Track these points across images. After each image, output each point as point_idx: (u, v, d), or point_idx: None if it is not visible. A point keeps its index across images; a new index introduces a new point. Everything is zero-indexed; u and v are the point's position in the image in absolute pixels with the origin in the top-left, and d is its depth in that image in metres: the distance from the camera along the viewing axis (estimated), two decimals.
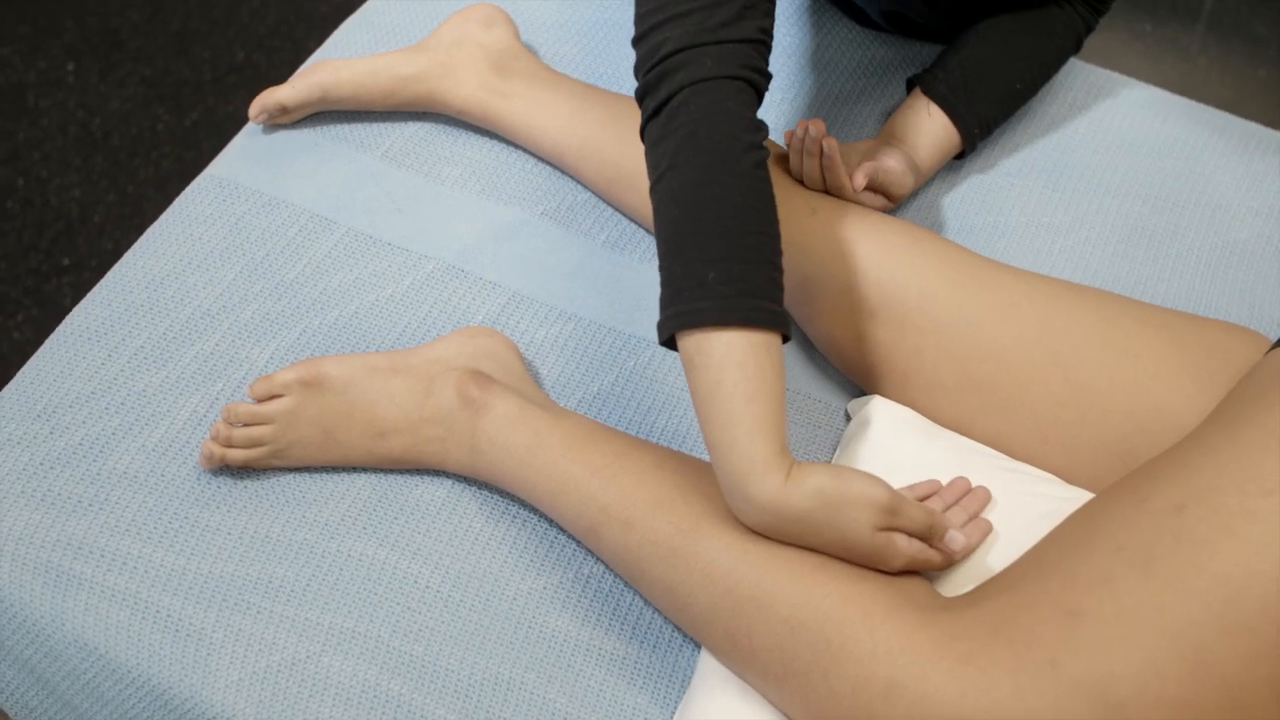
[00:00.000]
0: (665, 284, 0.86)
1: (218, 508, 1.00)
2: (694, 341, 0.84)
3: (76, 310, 1.10)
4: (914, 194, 1.20)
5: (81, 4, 2.28)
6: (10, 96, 2.15)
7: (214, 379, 1.06)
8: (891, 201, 1.12)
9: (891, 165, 1.10)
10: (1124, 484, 0.87)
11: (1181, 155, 1.24)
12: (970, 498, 0.95)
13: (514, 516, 1.01)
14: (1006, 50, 1.18)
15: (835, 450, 1.05)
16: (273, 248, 1.14)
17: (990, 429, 1.00)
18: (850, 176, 1.08)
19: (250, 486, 1.01)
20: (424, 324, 1.10)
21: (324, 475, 1.02)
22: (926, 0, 1.19)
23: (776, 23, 1.32)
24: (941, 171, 1.21)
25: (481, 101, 1.18)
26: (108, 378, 1.06)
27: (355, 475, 1.02)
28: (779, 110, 1.27)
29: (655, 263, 1.15)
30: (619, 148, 1.13)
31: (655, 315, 1.12)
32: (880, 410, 1.01)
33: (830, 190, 1.09)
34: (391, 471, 1.02)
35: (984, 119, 1.18)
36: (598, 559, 0.98)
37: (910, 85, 1.19)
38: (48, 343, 1.09)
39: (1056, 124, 1.26)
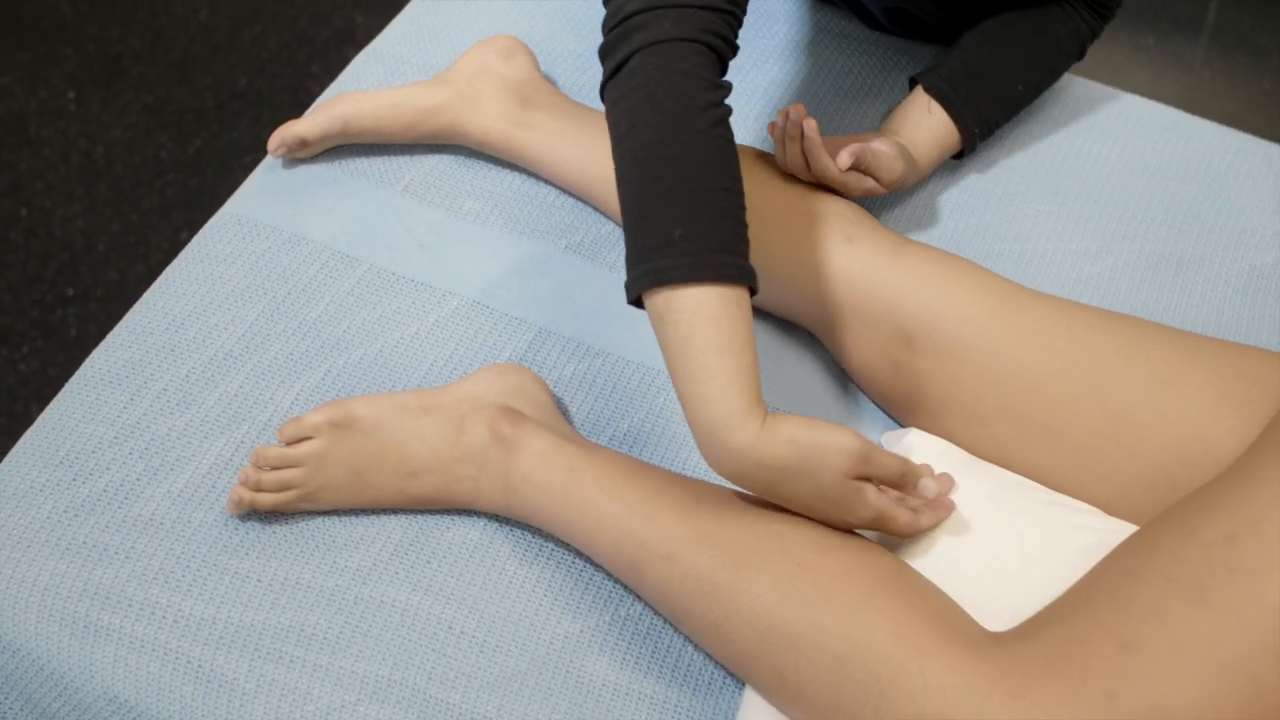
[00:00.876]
0: (631, 244, 0.87)
1: (247, 554, 0.98)
2: (664, 299, 0.84)
3: (96, 353, 1.09)
4: (937, 223, 1.19)
5: (81, 31, 2.26)
6: (11, 126, 2.14)
7: (239, 422, 1.05)
8: (882, 186, 1.10)
9: (881, 148, 1.09)
10: (1172, 515, 0.86)
11: (1205, 179, 1.23)
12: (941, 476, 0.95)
13: (549, 557, 0.99)
14: (1011, 52, 1.17)
15: None
16: (294, 286, 1.12)
17: (1029, 460, 0.99)
18: (835, 158, 1.06)
19: (279, 531, 1.00)
20: (450, 361, 1.09)
21: (354, 518, 1.00)
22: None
23: (777, 21, 1.31)
24: (968, 200, 1.20)
25: (504, 133, 1.17)
26: (130, 422, 1.04)
27: (386, 517, 1.01)
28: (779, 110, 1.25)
29: None
30: None
31: None
32: (919, 443, 1.00)
33: (815, 174, 1.08)
34: (422, 512, 1.01)
35: (984, 119, 1.17)
36: (637, 598, 0.97)
37: (912, 83, 1.19)
38: (68, 387, 1.07)
39: (1080, 149, 1.25)
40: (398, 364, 1.08)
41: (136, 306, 1.12)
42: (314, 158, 1.20)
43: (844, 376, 1.10)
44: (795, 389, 1.09)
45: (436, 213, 1.18)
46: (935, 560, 0.92)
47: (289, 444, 0.98)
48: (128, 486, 1.01)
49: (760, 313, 1.12)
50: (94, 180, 2.08)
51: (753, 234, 1.06)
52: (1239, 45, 2.35)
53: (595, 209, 1.18)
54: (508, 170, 1.21)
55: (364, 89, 1.26)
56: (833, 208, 1.08)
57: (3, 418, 1.85)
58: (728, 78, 1.11)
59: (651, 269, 0.84)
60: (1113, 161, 1.24)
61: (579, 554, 0.99)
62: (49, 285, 1.97)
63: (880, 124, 1.20)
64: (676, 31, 0.88)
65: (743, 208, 0.88)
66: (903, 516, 0.88)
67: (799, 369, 1.10)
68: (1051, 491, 0.98)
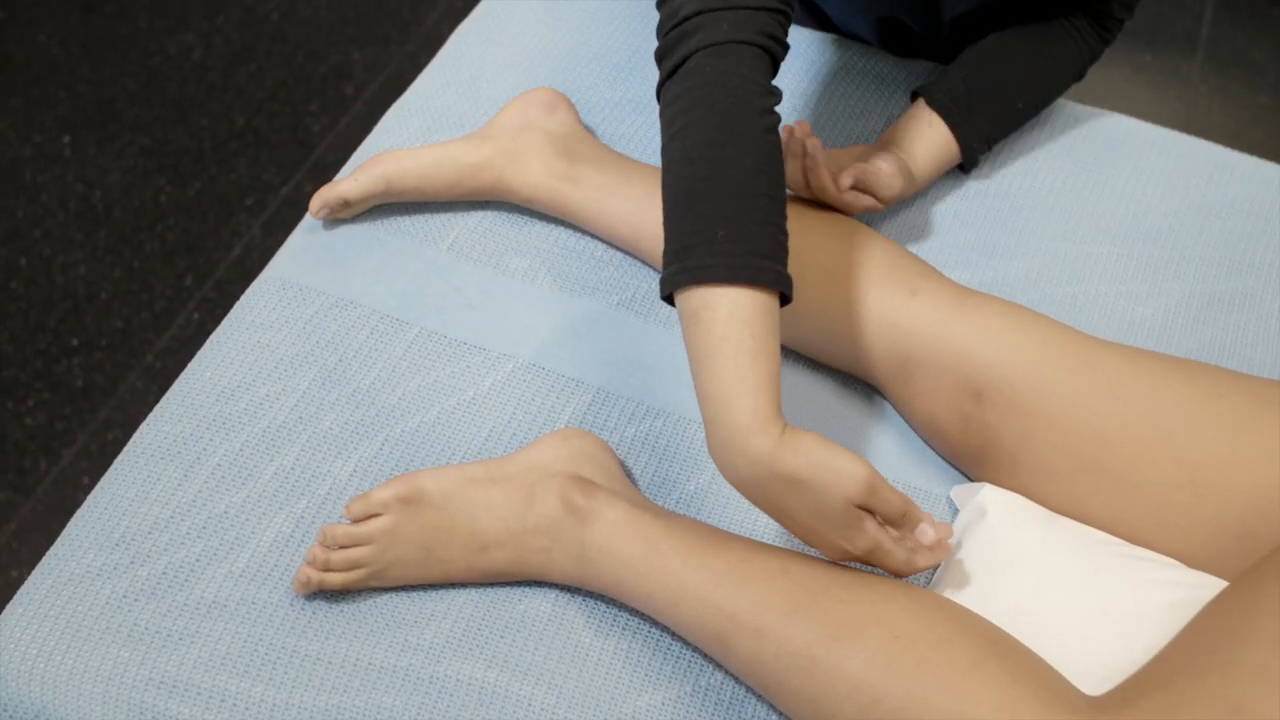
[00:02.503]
0: (671, 239, 0.87)
1: (315, 635, 0.96)
2: (700, 296, 0.85)
3: (145, 427, 1.06)
4: (989, 267, 1.18)
5: (73, 73, 2.22)
6: (7, 172, 2.10)
7: (297, 496, 1.02)
8: (880, 203, 1.11)
9: (880, 166, 1.09)
10: (1267, 569, 0.85)
11: (1252, 216, 1.23)
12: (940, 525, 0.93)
13: (624, 627, 0.97)
14: (1013, 71, 1.18)
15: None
16: (345, 352, 1.10)
17: (1104, 513, 0.98)
18: (836, 178, 1.07)
19: (347, 610, 0.97)
20: (509, 426, 1.07)
21: (422, 593, 0.98)
22: (929, 9, 1.18)
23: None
24: (1017, 243, 1.20)
25: (551, 189, 1.15)
26: (186, 500, 1.02)
27: (455, 591, 0.98)
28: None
29: None
30: None
31: None
32: (993, 499, 0.99)
33: (814, 192, 1.08)
34: (491, 585, 0.99)
35: (985, 134, 1.18)
36: (717, 667, 0.95)
37: (914, 96, 1.20)
38: (118, 464, 1.04)
39: (1126, 189, 1.25)
40: (456, 430, 1.06)
41: (183, 377, 1.09)
42: (354, 218, 1.18)
43: (906, 428, 1.09)
44: (856, 441, 1.08)
45: (484, 271, 1.16)
46: (1021, 620, 0.91)
47: (356, 521, 0.96)
48: (188, 568, 0.99)
49: (819, 365, 1.11)
50: (93, 226, 2.05)
51: (814, 286, 1.05)
52: (1234, 60, 2.37)
53: (645, 264, 1.16)
54: (553, 225, 1.19)
55: (401, 142, 1.23)
56: (893, 259, 1.07)
57: (11, 473, 1.81)
58: None
59: (692, 265, 0.85)
60: (1159, 200, 1.24)
61: (654, 622, 0.97)
62: (52, 335, 1.94)
63: (880, 136, 1.20)
64: (734, 33, 0.88)
65: (785, 216, 0.88)
66: (899, 554, 0.87)
67: (860, 421, 1.09)
68: (1131, 545, 0.97)
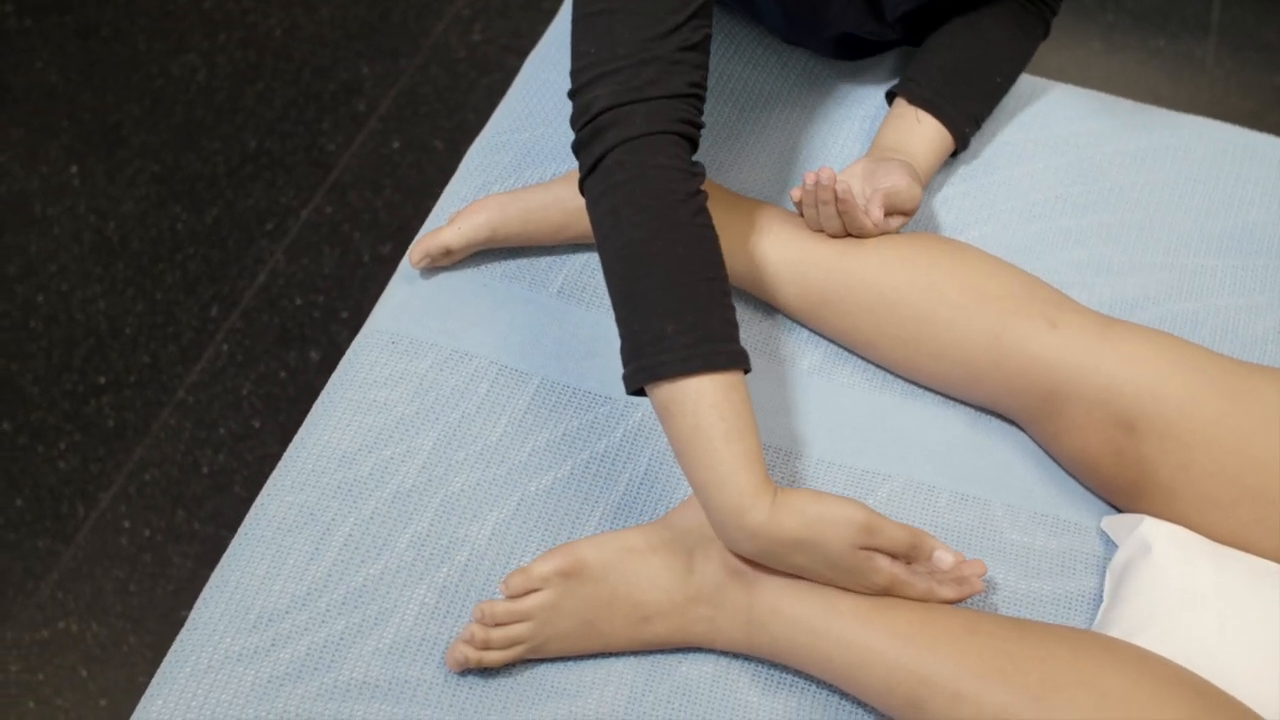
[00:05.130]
0: (625, 338, 0.90)
1: (473, 712, 0.92)
2: (665, 391, 0.88)
3: (266, 498, 1.01)
4: (1109, 289, 1.16)
5: (75, 100, 2.14)
6: (15, 207, 2.02)
7: (437, 564, 0.98)
8: (906, 216, 1.10)
9: (898, 183, 1.08)
10: None
11: None
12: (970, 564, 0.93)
13: (789, 686, 0.95)
14: (983, 46, 1.19)
15: (1105, 575, 1.00)
16: (467, 408, 1.06)
17: (1270, 543, 0.97)
18: (867, 213, 1.06)
19: (504, 684, 0.94)
20: (646, 478, 1.03)
21: (579, 663, 0.95)
22: (873, 15, 1.17)
23: (738, 67, 1.30)
24: (1131, 260, 1.18)
25: None
26: (321, 574, 0.97)
27: (613, 658, 0.95)
28: (765, 158, 1.24)
29: (874, 386, 1.09)
30: (821, 271, 1.08)
31: (887, 444, 1.06)
32: (1156, 532, 0.97)
33: (852, 233, 1.08)
34: (648, 651, 0.95)
35: (971, 115, 1.19)
36: None
37: (890, 97, 1.20)
38: (242, 537, 0.99)
39: (1232, 196, 1.23)
40: (592, 485, 1.03)
41: (299, 441, 1.04)
42: (454, 265, 1.14)
43: (1046, 460, 1.06)
44: (998, 477, 1.06)
45: (596, 315, 1.12)
46: (1212, 663, 0.89)
47: (515, 596, 0.92)
48: (333, 647, 0.94)
49: (953, 400, 1.09)
50: (110, 258, 1.98)
51: (946, 323, 1.02)
52: (1248, 43, 2.36)
53: (760, 301, 1.13)
54: None
55: (492, 182, 1.19)
56: (1025, 287, 1.04)
57: (48, 520, 1.75)
58: None
59: (648, 364, 0.88)
60: (1272, 209, 1.22)
61: (818, 680, 0.94)
62: (78, 374, 1.87)
63: (872, 143, 1.18)
64: (648, 126, 0.91)
65: (728, 293, 0.91)
66: (918, 584, 0.89)
67: (1000, 456, 1.07)
68: None
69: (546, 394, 1.07)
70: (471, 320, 1.10)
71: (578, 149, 0.95)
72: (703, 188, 0.94)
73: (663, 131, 0.91)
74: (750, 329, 1.12)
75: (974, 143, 1.24)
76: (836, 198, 1.04)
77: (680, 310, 0.88)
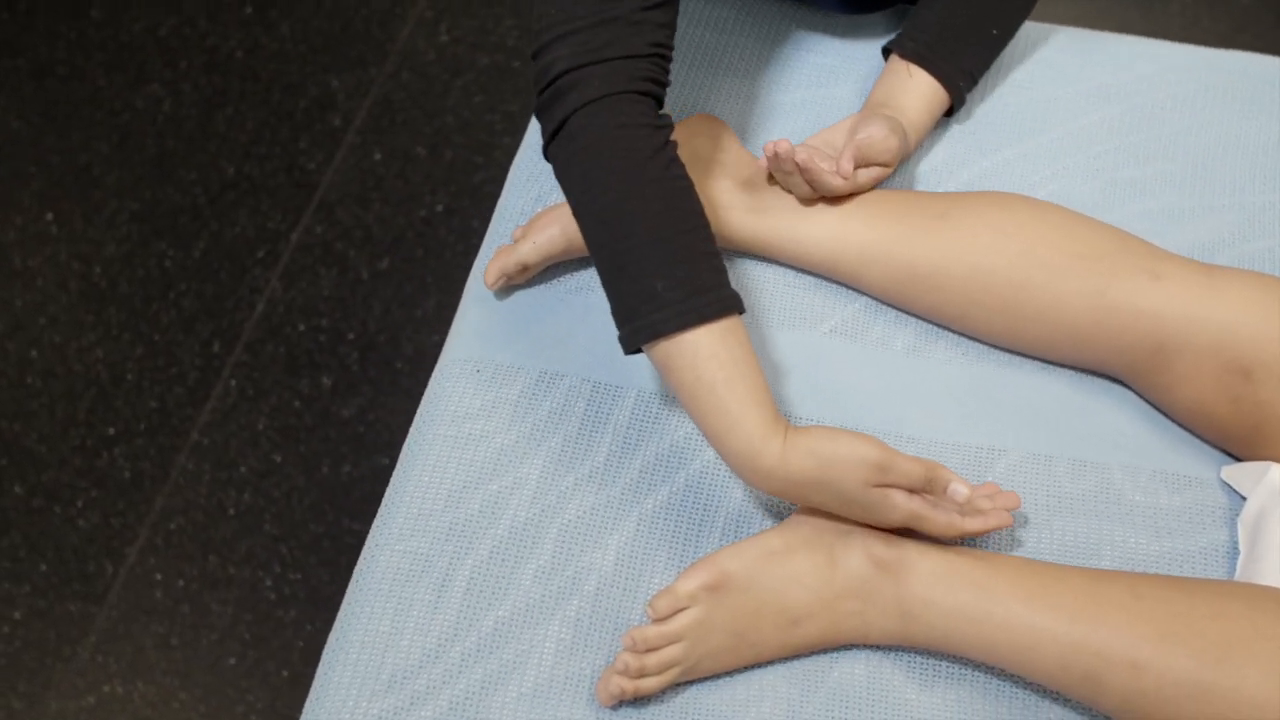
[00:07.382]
0: (615, 299, 0.91)
1: None
2: (662, 349, 0.89)
3: (374, 549, 0.97)
4: (1179, 234, 1.14)
5: (39, 144, 2.06)
6: None
7: (566, 597, 0.95)
8: (885, 168, 1.09)
9: (871, 133, 1.08)
10: None
11: None
12: (1002, 496, 0.94)
13: (947, 676, 0.93)
14: (978, 1, 1.17)
15: (1235, 527, 0.99)
16: (568, 430, 1.02)
17: None
18: (838, 167, 1.05)
19: (656, 712, 0.91)
20: None
21: (728, 681, 0.92)
22: None
23: (739, 25, 1.29)
24: (1198, 202, 1.16)
25: (740, 224, 1.08)
26: (449, 623, 0.94)
27: (759, 674, 0.92)
28: (768, 119, 1.22)
29: (971, 359, 1.07)
30: (908, 247, 1.05)
31: (995, 417, 1.04)
32: None
33: (825, 194, 1.07)
34: (796, 658, 0.93)
35: (966, 70, 1.17)
36: (1055, 700, 0.91)
37: (886, 53, 1.18)
38: (355, 594, 0.95)
39: None
40: (709, 495, 1.00)
41: (396, 484, 1.00)
42: (524, 283, 1.10)
43: (1154, 415, 1.05)
44: (1110, 438, 1.04)
45: None
46: None
47: (662, 619, 0.89)
48: (475, 699, 0.91)
49: (1052, 364, 1.07)
50: (101, 304, 1.91)
51: (1042, 287, 1.00)
52: None
53: (844, 285, 1.10)
54: (738, 259, 1.12)
55: (547, 193, 1.15)
56: (1118, 243, 1.03)
57: (76, 582, 1.69)
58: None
59: (643, 325, 0.88)
60: None
61: (974, 664, 0.93)
62: (85, 427, 1.80)
63: (865, 100, 1.17)
64: (607, 88, 0.90)
65: (710, 239, 0.91)
66: (939, 518, 0.89)
67: (1108, 416, 1.05)
68: None
69: (645, 406, 1.04)
70: (554, 338, 1.07)
71: (539, 113, 0.93)
72: (673, 137, 0.92)
73: (623, 92, 0.90)
74: (837, 315, 1.09)
75: (1020, 100, 1.22)
76: (799, 167, 1.03)
77: (667, 267, 0.88)
